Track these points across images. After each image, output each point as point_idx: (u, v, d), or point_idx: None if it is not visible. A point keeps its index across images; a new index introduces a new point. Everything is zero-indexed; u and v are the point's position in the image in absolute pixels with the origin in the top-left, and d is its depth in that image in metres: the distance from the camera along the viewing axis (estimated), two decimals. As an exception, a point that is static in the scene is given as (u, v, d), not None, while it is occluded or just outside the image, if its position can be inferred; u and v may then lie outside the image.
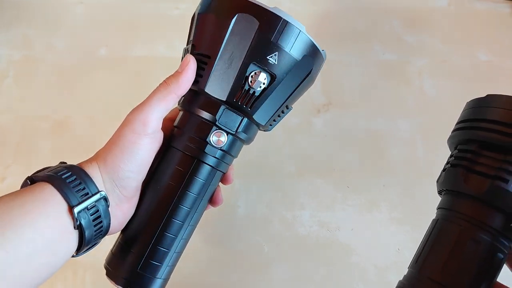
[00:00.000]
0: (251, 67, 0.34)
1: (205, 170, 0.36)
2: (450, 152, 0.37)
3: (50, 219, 0.29)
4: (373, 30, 0.67)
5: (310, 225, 0.55)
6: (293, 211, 0.55)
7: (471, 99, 0.35)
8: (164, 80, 0.35)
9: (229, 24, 0.34)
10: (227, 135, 0.36)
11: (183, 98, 0.38)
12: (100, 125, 0.60)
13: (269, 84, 0.35)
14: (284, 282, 0.52)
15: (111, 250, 0.38)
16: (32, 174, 0.33)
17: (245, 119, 0.37)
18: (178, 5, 0.68)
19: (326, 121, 0.61)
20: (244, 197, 0.56)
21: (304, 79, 0.37)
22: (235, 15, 0.34)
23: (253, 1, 0.34)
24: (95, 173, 0.33)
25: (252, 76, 0.34)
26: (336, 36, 0.66)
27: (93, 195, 0.32)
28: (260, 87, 0.35)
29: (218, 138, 0.36)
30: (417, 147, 0.59)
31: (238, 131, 0.37)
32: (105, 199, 0.33)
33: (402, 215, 0.55)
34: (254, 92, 0.35)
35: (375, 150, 0.59)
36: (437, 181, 0.36)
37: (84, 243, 0.32)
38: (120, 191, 0.34)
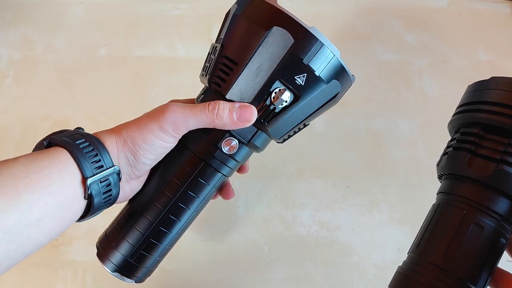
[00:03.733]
0: (277, 83, 0.33)
1: (210, 173, 0.36)
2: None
3: (65, 187, 0.30)
4: (373, 30, 0.67)
5: (310, 225, 0.55)
6: (293, 211, 0.55)
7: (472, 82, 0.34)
8: (217, 108, 0.33)
9: (264, 35, 0.32)
10: (239, 143, 0.36)
11: (202, 97, 0.37)
12: (100, 125, 0.60)
13: (291, 103, 0.34)
14: (284, 282, 0.52)
15: (105, 231, 0.38)
16: (49, 136, 0.33)
17: (260, 131, 0.36)
18: (178, 5, 0.68)
19: (326, 121, 0.61)
20: (244, 197, 0.56)
21: (328, 101, 0.36)
22: (271, 27, 0.32)
23: (292, 16, 0.32)
24: (112, 147, 0.33)
25: (275, 93, 0.33)
26: (336, 36, 0.66)
27: (107, 168, 0.32)
28: (282, 104, 0.34)
29: (230, 145, 0.36)
30: (417, 147, 0.59)
31: (250, 141, 0.36)
32: (118, 173, 0.33)
33: (402, 215, 0.55)
34: (274, 109, 0.34)
35: (375, 150, 0.59)
36: (437, 165, 0.35)
37: (91, 211, 0.32)
38: (133, 171, 0.34)
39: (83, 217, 0.33)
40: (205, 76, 0.37)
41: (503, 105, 0.30)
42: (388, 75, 0.63)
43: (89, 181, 0.31)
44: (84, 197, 0.31)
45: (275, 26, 0.32)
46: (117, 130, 0.34)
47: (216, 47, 0.36)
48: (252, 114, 0.34)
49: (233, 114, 0.34)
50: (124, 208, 0.38)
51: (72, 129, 0.35)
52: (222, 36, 0.36)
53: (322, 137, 0.60)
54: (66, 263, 0.52)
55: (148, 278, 0.38)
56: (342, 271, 0.52)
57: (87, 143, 0.32)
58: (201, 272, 0.52)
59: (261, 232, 0.54)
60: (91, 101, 0.62)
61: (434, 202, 0.34)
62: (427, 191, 0.56)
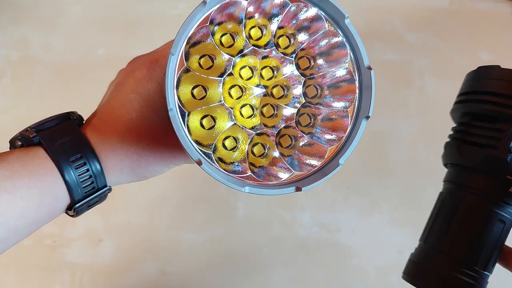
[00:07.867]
0: None
1: None
2: None
3: (44, 209, 0.27)
4: (374, 30, 0.66)
5: (310, 227, 0.54)
6: (293, 213, 0.55)
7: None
8: None
9: None
10: None
11: None
12: (98, 125, 0.60)
13: None
14: (284, 284, 0.51)
15: None
16: (39, 131, 0.30)
17: None
18: (177, 5, 0.67)
19: (326, 121, 0.60)
20: (244, 199, 0.56)
21: None
22: None
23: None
24: (113, 170, 0.29)
25: None
26: (336, 36, 0.66)
27: (98, 189, 0.29)
28: None
29: None
30: (418, 148, 0.59)
31: None
32: (110, 190, 0.30)
33: (403, 216, 0.55)
34: None
35: (376, 151, 0.58)
36: (441, 156, 0.37)
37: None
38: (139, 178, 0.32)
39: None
40: None
41: (487, 93, 0.32)
42: (389, 75, 0.63)
43: (76, 205, 0.28)
44: (68, 213, 0.29)
45: None
46: (128, 154, 0.30)
47: None
48: None
49: None
50: None
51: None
52: None
53: (322, 137, 0.59)
54: (64, 265, 0.51)
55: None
56: (343, 273, 0.52)
57: (83, 161, 0.28)
58: (200, 274, 0.52)
59: (261, 234, 0.54)
60: (90, 101, 0.61)
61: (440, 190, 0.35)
62: (428, 192, 0.55)
